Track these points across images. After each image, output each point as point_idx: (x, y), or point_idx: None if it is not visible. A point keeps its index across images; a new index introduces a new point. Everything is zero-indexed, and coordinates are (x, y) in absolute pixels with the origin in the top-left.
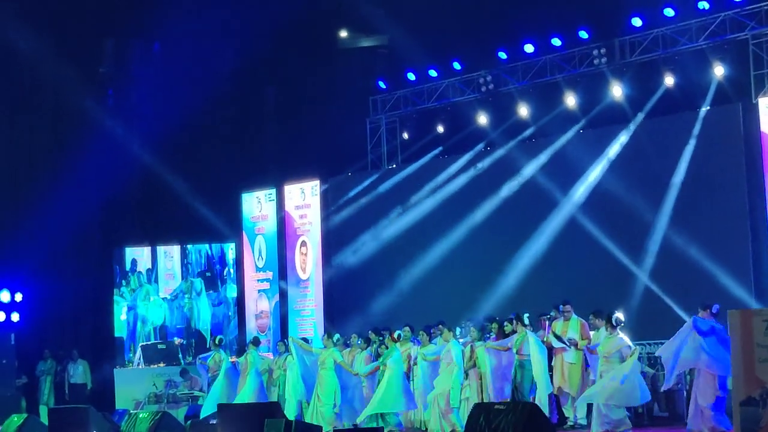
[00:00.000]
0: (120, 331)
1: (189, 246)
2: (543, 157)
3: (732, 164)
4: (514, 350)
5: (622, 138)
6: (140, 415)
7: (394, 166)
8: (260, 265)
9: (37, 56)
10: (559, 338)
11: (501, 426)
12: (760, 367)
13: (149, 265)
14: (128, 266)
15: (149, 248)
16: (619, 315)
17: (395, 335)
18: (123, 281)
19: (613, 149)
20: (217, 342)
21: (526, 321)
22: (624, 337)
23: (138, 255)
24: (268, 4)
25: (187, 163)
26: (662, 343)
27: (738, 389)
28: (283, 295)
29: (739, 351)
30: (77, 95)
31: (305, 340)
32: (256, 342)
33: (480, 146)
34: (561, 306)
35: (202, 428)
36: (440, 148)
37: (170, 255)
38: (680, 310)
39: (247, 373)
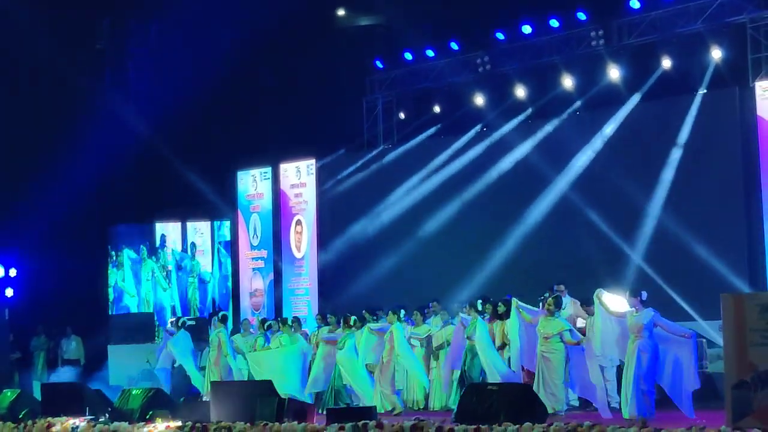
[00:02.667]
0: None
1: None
2: (539, 138)
3: (728, 148)
4: (466, 336)
5: (619, 120)
6: (133, 392)
7: (390, 145)
8: (255, 243)
9: (34, 34)
10: None
11: (493, 406)
12: (753, 351)
13: (179, 241)
14: (158, 242)
15: (179, 224)
16: (562, 298)
17: (350, 320)
18: (153, 257)
19: (609, 131)
20: (220, 318)
21: (479, 307)
22: (564, 321)
23: (168, 230)
24: None
25: (182, 140)
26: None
27: (730, 373)
28: (278, 274)
29: (732, 335)
30: (74, 73)
31: (297, 319)
32: (224, 319)
33: (477, 127)
34: (554, 286)
35: (194, 405)
36: (436, 128)
37: (200, 231)
38: (674, 293)
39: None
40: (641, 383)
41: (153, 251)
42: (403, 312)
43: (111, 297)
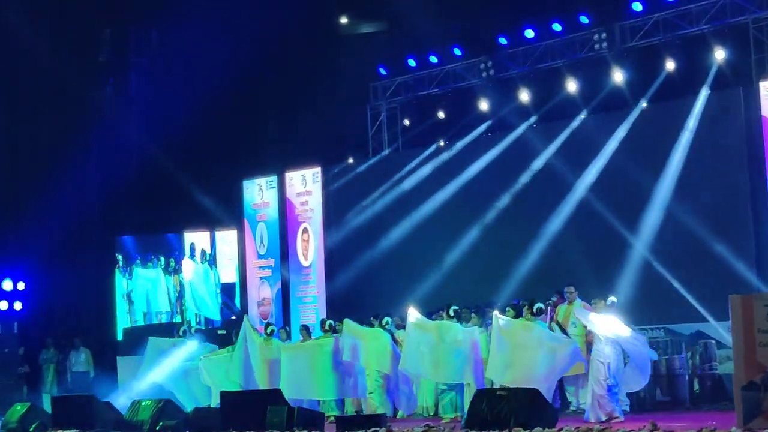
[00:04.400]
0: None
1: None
2: (545, 143)
3: (733, 148)
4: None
5: (624, 123)
6: (143, 403)
7: (395, 152)
8: (262, 252)
9: (37, 45)
10: (560, 327)
11: (503, 412)
12: (761, 351)
13: (208, 250)
14: (187, 252)
15: (208, 233)
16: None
17: (326, 325)
18: (170, 268)
19: (615, 134)
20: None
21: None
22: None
23: (197, 239)
24: None
25: (188, 151)
26: (665, 328)
27: (739, 374)
28: (285, 282)
29: (740, 336)
30: (77, 84)
31: (305, 327)
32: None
33: (481, 129)
34: (564, 289)
35: (204, 415)
36: (441, 134)
37: (228, 240)
38: (687, 293)
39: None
40: (597, 387)
41: (169, 262)
42: (388, 320)
43: (125, 307)
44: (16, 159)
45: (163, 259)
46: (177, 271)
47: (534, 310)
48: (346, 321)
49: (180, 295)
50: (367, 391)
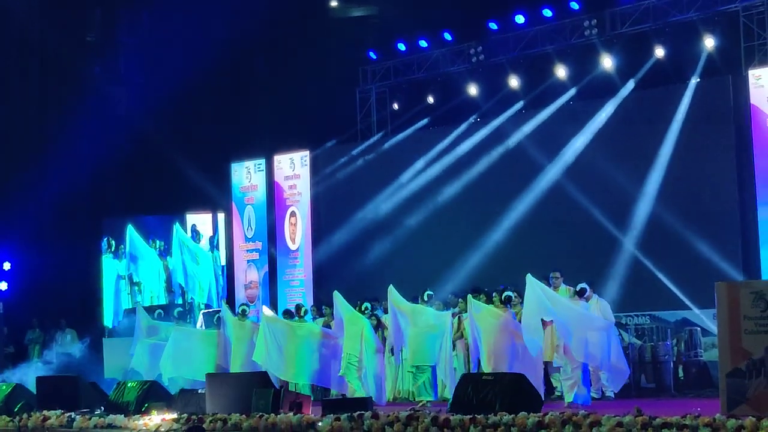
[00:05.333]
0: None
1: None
2: (532, 128)
3: (721, 136)
4: None
5: (612, 109)
6: (129, 384)
7: (384, 136)
8: (249, 235)
9: (27, 23)
10: None
11: (488, 396)
12: (747, 338)
13: (210, 232)
14: (189, 233)
15: (210, 215)
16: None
17: (302, 311)
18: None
19: (603, 120)
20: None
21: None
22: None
23: (199, 222)
24: None
25: (176, 132)
26: (650, 315)
27: (724, 361)
28: (272, 265)
29: (726, 323)
30: (66, 64)
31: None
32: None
33: (471, 117)
34: (551, 274)
35: (190, 397)
36: (430, 118)
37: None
38: (668, 282)
39: None
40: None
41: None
42: (367, 305)
43: (113, 289)
44: (3, 139)
45: (157, 241)
46: (167, 253)
47: (503, 299)
48: (336, 293)
49: (170, 278)
50: (339, 372)
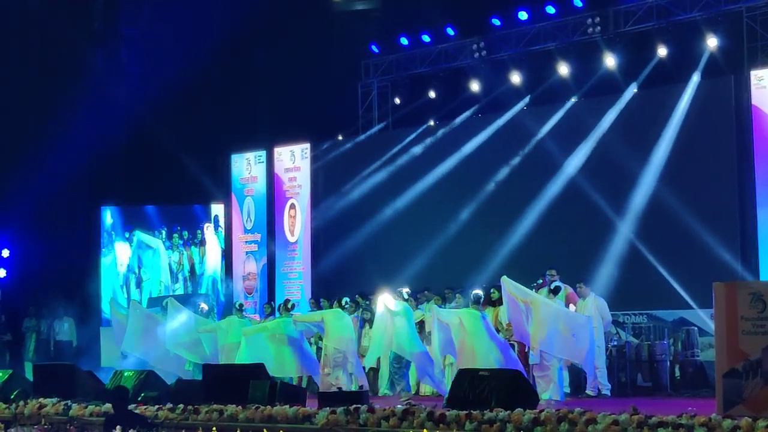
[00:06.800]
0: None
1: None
2: (535, 125)
3: (722, 136)
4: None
5: (614, 108)
6: (125, 373)
7: (385, 130)
8: (248, 227)
9: (27, 14)
10: None
11: (484, 392)
12: (744, 339)
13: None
14: (212, 222)
15: (221, 205)
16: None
17: (289, 305)
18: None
19: (605, 119)
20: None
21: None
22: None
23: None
24: None
25: (176, 123)
26: (648, 314)
27: (721, 361)
28: (271, 258)
29: (723, 323)
30: (66, 53)
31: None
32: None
33: (472, 110)
34: (546, 272)
35: (186, 387)
36: (431, 113)
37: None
38: (671, 280)
39: None
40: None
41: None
42: (346, 300)
43: (121, 280)
44: (4, 126)
45: (165, 231)
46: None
47: (473, 298)
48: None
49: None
50: (320, 366)
